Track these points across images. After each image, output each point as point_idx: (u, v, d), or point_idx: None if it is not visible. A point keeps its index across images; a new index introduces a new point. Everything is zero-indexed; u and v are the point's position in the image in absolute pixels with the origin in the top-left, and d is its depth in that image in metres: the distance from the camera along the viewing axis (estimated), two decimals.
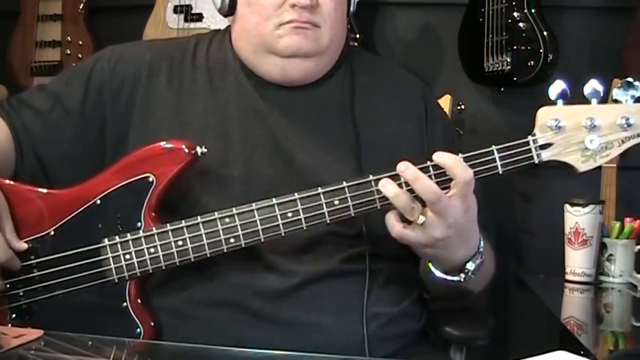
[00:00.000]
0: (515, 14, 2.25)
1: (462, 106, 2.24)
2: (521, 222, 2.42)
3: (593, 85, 1.14)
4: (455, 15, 2.39)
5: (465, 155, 1.15)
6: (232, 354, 1.10)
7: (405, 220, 1.14)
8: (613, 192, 2.02)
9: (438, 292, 1.35)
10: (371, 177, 1.16)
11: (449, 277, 1.21)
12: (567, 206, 1.91)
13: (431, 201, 1.12)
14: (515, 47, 2.25)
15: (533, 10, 2.25)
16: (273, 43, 1.28)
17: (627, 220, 1.91)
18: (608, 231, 1.91)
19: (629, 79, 1.14)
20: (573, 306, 1.83)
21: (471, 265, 1.20)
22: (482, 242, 1.21)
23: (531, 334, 2.18)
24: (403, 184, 1.14)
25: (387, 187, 1.14)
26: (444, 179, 1.14)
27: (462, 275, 1.20)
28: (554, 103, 1.16)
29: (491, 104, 2.47)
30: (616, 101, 1.15)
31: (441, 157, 1.14)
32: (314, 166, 1.28)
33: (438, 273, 1.22)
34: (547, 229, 2.11)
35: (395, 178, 1.15)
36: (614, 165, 1.98)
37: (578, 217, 1.88)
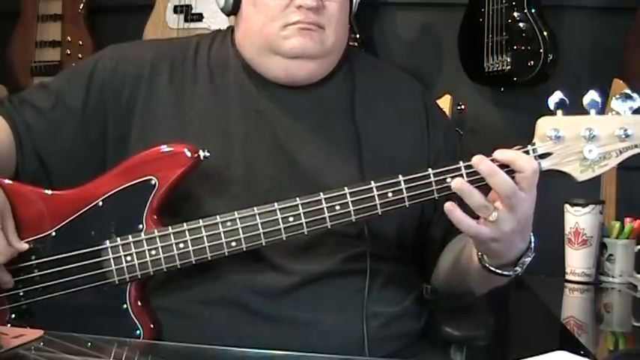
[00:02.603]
0: (515, 14, 2.26)
1: (462, 106, 2.24)
2: None
3: (591, 96, 1.15)
4: (455, 15, 2.39)
5: (466, 164, 1.15)
6: (232, 354, 1.11)
7: (474, 217, 1.12)
8: (613, 192, 2.02)
9: (451, 292, 1.36)
10: (372, 183, 1.16)
11: (504, 272, 1.19)
12: (567, 206, 1.91)
13: (507, 195, 1.09)
14: (515, 47, 2.26)
15: (533, 10, 2.25)
16: (278, 44, 1.28)
17: (627, 220, 1.91)
18: (608, 231, 1.91)
19: (627, 91, 1.14)
20: (573, 306, 1.84)
21: (527, 259, 1.18)
22: (532, 237, 1.19)
23: (531, 334, 2.18)
24: (464, 175, 1.13)
25: (462, 186, 1.11)
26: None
27: (518, 269, 1.19)
28: (553, 111, 1.17)
29: (492, 104, 2.48)
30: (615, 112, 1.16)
31: (502, 154, 1.12)
32: (316, 166, 1.28)
33: (492, 268, 1.19)
34: (547, 229, 2.10)
35: (395, 184, 1.15)
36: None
37: (578, 217, 1.88)
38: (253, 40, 1.31)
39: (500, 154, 1.12)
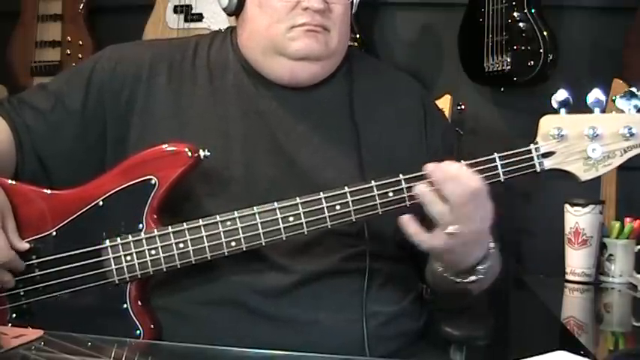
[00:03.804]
0: (515, 14, 2.25)
1: (462, 106, 2.23)
2: (521, 222, 2.41)
3: (595, 95, 1.14)
4: (455, 15, 2.39)
5: (468, 162, 1.15)
6: (232, 354, 1.11)
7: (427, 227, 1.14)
8: (613, 192, 2.02)
9: (442, 292, 1.35)
10: (373, 183, 1.16)
11: (459, 280, 1.21)
12: (567, 206, 1.91)
13: (461, 203, 1.11)
14: (515, 47, 2.25)
15: (533, 10, 2.24)
16: (284, 46, 1.28)
17: (627, 220, 1.91)
18: (608, 231, 1.91)
19: (632, 89, 1.14)
20: (573, 306, 1.83)
21: (481, 268, 1.20)
22: (491, 244, 1.21)
23: (531, 334, 2.17)
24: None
25: (426, 195, 1.13)
26: None
27: (473, 277, 1.20)
28: (555, 109, 1.16)
29: (492, 104, 2.47)
30: (620, 110, 1.15)
31: (445, 168, 1.13)
32: (315, 166, 1.28)
33: (449, 275, 1.21)
34: (547, 229, 2.11)
35: (396, 184, 1.15)
36: None
37: (578, 217, 1.88)
38: (258, 41, 1.31)
39: (445, 166, 1.13)
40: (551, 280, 1.93)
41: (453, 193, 1.11)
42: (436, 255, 1.18)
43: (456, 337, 1.39)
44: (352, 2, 1.35)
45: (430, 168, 1.13)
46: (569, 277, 1.89)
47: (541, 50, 2.23)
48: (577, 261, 1.88)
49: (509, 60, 2.26)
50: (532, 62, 2.24)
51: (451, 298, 1.34)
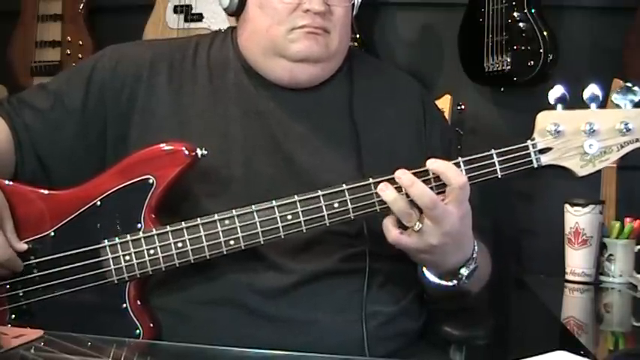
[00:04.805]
0: (515, 14, 2.25)
1: (462, 106, 2.23)
2: (521, 222, 2.41)
3: (592, 90, 1.14)
4: (455, 15, 2.38)
5: (465, 159, 1.15)
6: (232, 354, 1.11)
7: (402, 227, 1.15)
8: (613, 192, 2.02)
9: (433, 294, 1.36)
10: (371, 180, 1.16)
11: (442, 282, 1.22)
12: (567, 206, 1.91)
13: (427, 207, 1.12)
14: (515, 47, 2.25)
15: (533, 10, 2.24)
16: (284, 47, 1.29)
17: (627, 220, 1.91)
18: (608, 231, 1.91)
19: (629, 84, 1.14)
20: (573, 306, 1.83)
21: (464, 271, 1.21)
22: (476, 248, 1.21)
23: (531, 334, 2.17)
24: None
25: (387, 191, 1.14)
26: (441, 183, 1.14)
27: (455, 281, 1.21)
28: (553, 106, 1.16)
29: (492, 104, 2.47)
30: (616, 106, 1.15)
31: (433, 164, 1.14)
32: (314, 166, 1.28)
33: (431, 277, 1.23)
34: (547, 229, 2.11)
35: (394, 181, 1.15)
36: (614, 165, 1.98)
37: (578, 217, 1.88)
38: (258, 42, 1.31)
39: (431, 163, 1.14)
40: (551, 280, 1.93)
41: (418, 198, 1.12)
42: (411, 254, 1.18)
43: (456, 337, 1.39)
44: (353, 4, 1.36)
45: (399, 173, 1.14)
46: (569, 277, 1.89)
47: (541, 50, 2.22)
48: (577, 261, 1.88)
49: (509, 60, 2.26)
50: (532, 62, 2.24)
51: (450, 298, 1.34)
